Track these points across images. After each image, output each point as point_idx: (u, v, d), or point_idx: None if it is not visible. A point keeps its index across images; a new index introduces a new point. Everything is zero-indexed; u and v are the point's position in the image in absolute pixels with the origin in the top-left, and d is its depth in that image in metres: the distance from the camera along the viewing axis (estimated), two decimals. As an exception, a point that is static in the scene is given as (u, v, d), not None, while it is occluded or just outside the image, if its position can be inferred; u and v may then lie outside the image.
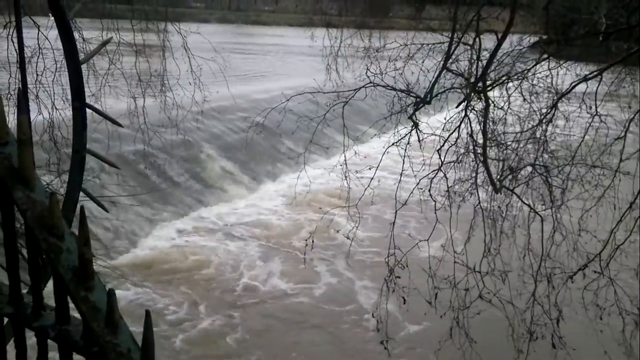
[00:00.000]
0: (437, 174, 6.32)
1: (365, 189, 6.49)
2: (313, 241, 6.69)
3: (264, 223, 13.99)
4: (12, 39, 6.89)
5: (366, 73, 6.72)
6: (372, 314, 6.47)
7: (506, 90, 6.93)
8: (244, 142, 16.99)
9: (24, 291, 1.74)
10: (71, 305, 1.51)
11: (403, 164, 6.38)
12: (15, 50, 6.88)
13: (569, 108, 7.03)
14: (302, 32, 9.68)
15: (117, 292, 1.67)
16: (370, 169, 6.58)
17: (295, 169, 16.32)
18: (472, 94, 6.37)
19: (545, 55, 6.94)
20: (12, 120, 1.66)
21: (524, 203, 6.46)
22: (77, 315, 1.51)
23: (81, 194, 3.67)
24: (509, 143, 6.73)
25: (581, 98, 6.74)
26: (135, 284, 10.44)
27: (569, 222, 6.47)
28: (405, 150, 6.34)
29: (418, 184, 6.35)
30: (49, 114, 7.48)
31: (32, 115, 5.16)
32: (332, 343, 9.20)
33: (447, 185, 6.42)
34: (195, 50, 8.99)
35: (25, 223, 1.52)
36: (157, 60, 9.17)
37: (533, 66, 6.70)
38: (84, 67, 4.10)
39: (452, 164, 6.49)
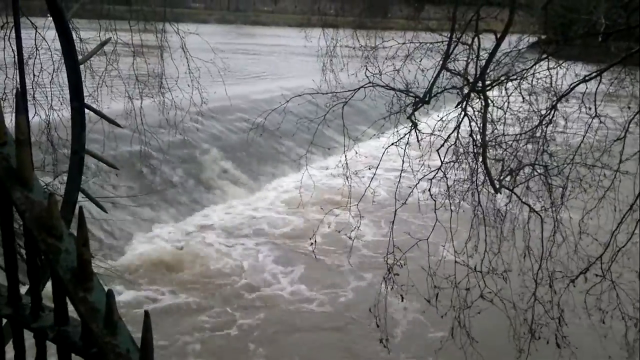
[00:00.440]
0: (436, 173, 6.33)
1: (366, 190, 6.49)
2: (316, 241, 6.70)
3: (263, 223, 13.98)
4: (9, 40, 6.89)
5: (365, 73, 6.72)
6: (369, 309, 6.47)
7: (505, 90, 6.93)
8: (243, 143, 17.00)
9: (22, 292, 1.73)
10: (70, 306, 1.51)
11: (402, 163, 6.39)
12: (13, 50, 6.89)
13: (569, 109, 7.04)
14: (302, 32, 9.67)
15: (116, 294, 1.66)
16: (370, 168, 6.59)
17: (295, 170, 16.36)
18: (471, 94, 6.37)
19: (545, 55, 6.94)
20: (8, 120, 1.65)
21: (524, 203, 6.47)
22: (76, 316, 1.50)
23: (80, 194, 3.67)
24: (508, 143, 6.74)
25: (581, 99, 6.74)
26: (133, 285, 10.42)
27: (569, 223, 6.47)
28: (405, 150, 6.34)
29: (418, 184, 6.35)
30: (46, 114, 7.47)
31: (30, 116, 5.15)
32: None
33: (447, 185, 6.43)
34: (196, 50, 8.99)
35: (24, 224, 1.51)
36: (156, 61, 9.16)
37: (532, 66, 6.70)
38: (81, 67, 4.09)
39: (452, 163, 6.49)
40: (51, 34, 6.99)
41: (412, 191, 6.47)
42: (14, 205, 1.53)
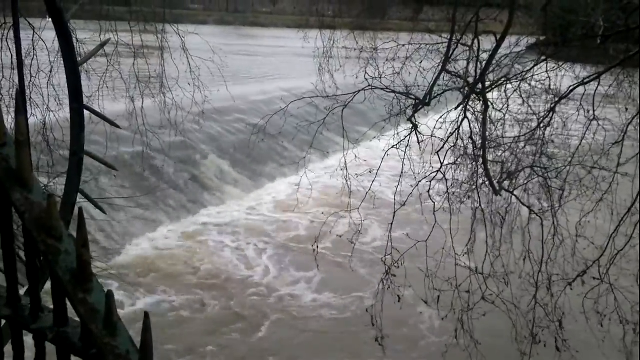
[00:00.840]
0: (436, 175, 6.33)
1: (367, 193, 6.48)
2: (318, 246, 6.70)
3: (261, 225, 13.98)
4: (6, 40, 6.89)
5: (365, 76, 6.71)
6: (367, 310, 6.47)
7: (505, 92, 6.93)
8: (242, 144, 16.99)
9: (21, 293, 1.73)
10: (69, 307, 1.51)
11: (403, 165, 6.38)
12: (10, 51, 6.89)
13: (567, 111, 7.04)
14: (301, 33, 9.67)
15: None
16: (370, 171, 6.59)
17: (294, 171, 16.34)
18: (471, 96, 6.37)
19: (544, 57, 6.95)
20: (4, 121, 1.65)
21: (524, 205, 6.47)
22: (75, 317, 1.50)
23: (79, 195, 3.67)
24: (508, 145, 6.74)
25: (579, 101, 6.75)
26: (132, 286, 10.41)
27: (567, 226, 6.48)
28: (405, 152, 6.34)
29: (417, 185, 6.34)
30: (42, 115, 7.46)
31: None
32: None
33: (447, 187, 6.43)
34: (197, 51, 8.99)
35: (23, 225, 1.51)
36: (156, 62, 9.15)
37: (531, 68, 6.70)
38: (80, 68, 4.09)
39: (452, 165, 6.49)
40: (48, 34, 7.01)
41: (411, 193, 6.46)
42: (13, 206, 1.53)
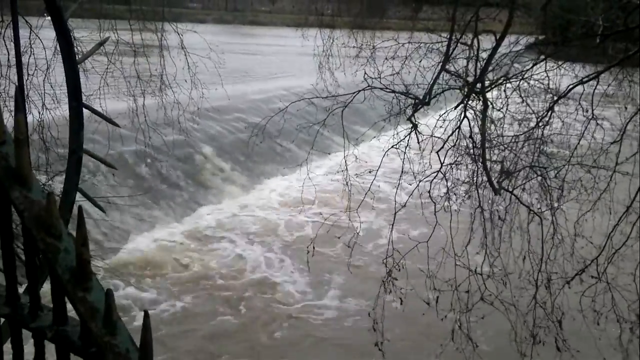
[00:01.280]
0: (436, 175, 6.32)
1: (366, 194, 6.47)
2: (314, 247, 6.68)
3: (260, 224, 13.98)
4: (3, 38, 6.88)
5: (364, 76, 6.70)
6: (368, 313, 6.45)
7: (504, 91, 6.93)
8: (240, 143, 16.98)
9: (21, 291, 1.73)
10: (69, 306, 1.50)
11: (402, 165, 6.38)
12: (7, 49, 6.88)
13: (567, 110, 7.04)
14: (301, 32, 9.67)
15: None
16: (370, 172, 6.58)
17: (293, 170, 16.32)
18: (471, 95, 6.37)
19: (543, 56, 6.94)
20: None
21: (523, 204, 6.46)
22: (74, 315, 1.50)
23: (77, 194, 3.66)
24: (507, 144, 6.74)
25: (578, 100, 6.75)
26: (132, 285, 10.41)
27: (566, 225, 6.48)
28: (405, 152, 6.33)
29: (417, 186, 6.34)
30: (39, 113, 7.46)
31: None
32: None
33: (447, 187, 6.42)
34: (197, 50, 9.00)
35: (23, 223, 1.51)
36: (155, 60, 9.15)
37: (531, 67, 6.70)
38: (79, 67, 4.08)
39: (452, 165, 6.48)
40: (46, 33, 7.00)
41: (412, 193, 6.45)
42: (12, 204, 1.53)
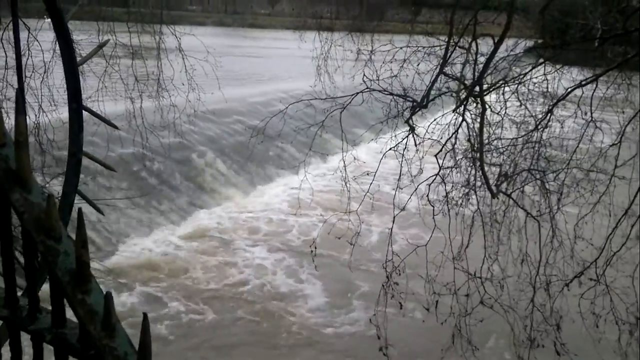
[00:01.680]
0: (435, 179, 6.32)
1: (365, 195, 6.48)
2: (316, 247, 6.68)
3: (259, 226, 13.97)
4: (1, 41, 6.89)
5: (362, 78, 6.71)
6: (370, 320, 6.43)
7: (502, 94, 6.94)
8: (239, 146, 16.99)
9: (19, 294, 1.73)
10: (68, 309, 1.50)
11: (401, 168, 6.38)
12: (5, 51, 6.89)
13: (565, 113, 7.05)
14: (300, 35, 9.69)
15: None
16: (368, 174, 6.58)
17: (292, 172, 16.33)
18: (469, 98, 6.37)
19: (541, 60, 6.96)
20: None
21: (521, 208, 6.47)
22: (73, 318, 1.50)
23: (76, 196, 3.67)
24: (505, 148, 6.74)
25: (577, 104, 6.76)
26: (131, 289, 10.40)
27: (565, 228, 6.48)
28: (403, 154, 6.33)
29: (416, 189, 6.34)
30: (36, 116, 7.47)
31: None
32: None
33: (446, 190, 6.42)
34: (197, 53, 9.02)
35: (22, 225, 1.51)
36: (153, 63, 9.17)
37: (529, 70, 6.71)
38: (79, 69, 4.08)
39: (450, 169, 6.49)
40: (44, 35, 7.01)
41: (410, 197, 6.45)
42: (12, 206, 1.53)
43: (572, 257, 6.40)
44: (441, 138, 6.57)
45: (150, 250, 11.99)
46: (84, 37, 7.71)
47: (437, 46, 6.64)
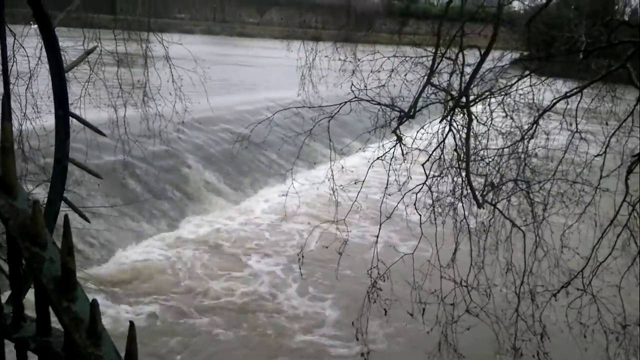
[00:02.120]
0: (421, 188, 6.36)
1: (353, 204, 6.49)
2: (303, 256, 6.68)
3: (246, 235, 13.92)
4: None
5: (350, 88, 6.74)
6: (352, 323, 6.45)
7: (488, 105, 7.01)
8: (227, 154, 16.95)
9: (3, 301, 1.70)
10: (53, 317, 1.48)
11: (388, 177, 6.41)
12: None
13: (550, 124, 7.13)
14: (288, 44, 9.71)
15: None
16: (356, 183, 6.60)
17: (279, 181, 16.33)
18: (455, 109, 6.42)
19: (527, 72, 7.04)
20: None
21: (506, 218, 6.52)
22: (59, 326, 1.48)
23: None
24: (491, 158, 6.80)
25: (562, 115, 6.84)
26: (115, 299, 10.29)
27: (550, 238, 6.54)
28: (390, 164, 6.36)
29: (403, 197, 6.37)
30: (19, 123, 7.40)
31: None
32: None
33: (432, 199, 6.46)
34: (185, 62, 9.00)
35: (7, 232, 1.49)
36: (140, 71, 9.13)
37: (515, 82, 6.79)
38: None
39: (437, 178, 6.53)
40: (30, 41, 6.96)
41: (396, 206, 6.48)
42: (-3, 213, 1.51)
43: (557, 266, 6.45)
44: (428, 146, 6.62)
45: (137, 260, 11.89)
46: (70, 43, 7.66)
47: (424, 57, 6.69)
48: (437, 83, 6.64)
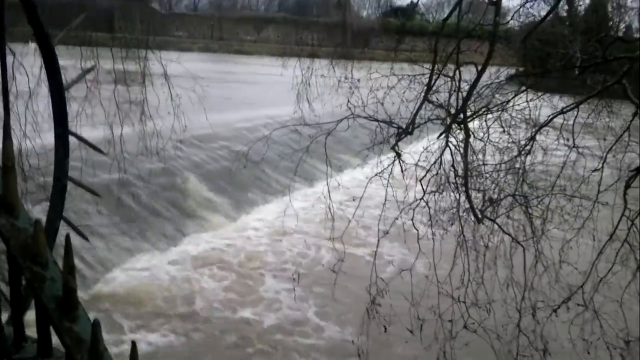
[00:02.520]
0: (419, 203, 6.36)
1: (350, 221, 6.49)
2: (299, 275, 6.66)
3: (245, 253, 13.87)
4: None
5: (347, 105, 6.78)
6: (353, 341, 6.41)
7: (485, 121, 7.04)
8: (225, 171, 16.98)
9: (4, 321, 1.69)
10: (54, 336, 1.48)
11: (386, 194, 6.41)
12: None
13: (548, 139, 7.16)
14: (285, 62, 9.77)
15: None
16: (354, 199, 6.61)
17: (278, 198, 16.34)
18: (453, 125, 6.45)
19: (523, 88, 7.08)
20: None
21: (506, 233, 6.51)
22: (59, 345, 1.47)
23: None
24: (489, 173, 6.81)
25: (559, 130, 6.87)
26: (107, 317, 10.21)
27: (550, 253, 6.53)
28: (388, 180, 6.37)
29: (400, 213, 6.37)
30: (19, 141, 7.42)
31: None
32: None
33: (430, 215, 6.46)
34: (183, 79, 9.05)
35: (8, 251, 1.49)
36: (138, 89, 9.17)
37: (512, 98, 6.83)
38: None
39: (434, 193, 6.54)
40: (29, 59, 7.01)
41: (394, 221, 6.48)
42: (-2, 232, 1.51)
43: (557, 281, 6.44)
44: (426, 162, 6.64)
45: (136, 278, 11.83)
46: (69, 61, 7.70)
47: (421, 74, 6.74)
48: (435, 100, 6.67)
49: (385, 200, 6.46)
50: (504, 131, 7.04)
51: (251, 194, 17.73)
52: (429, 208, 6.48)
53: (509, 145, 7.10)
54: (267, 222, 15.83)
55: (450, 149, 6.53)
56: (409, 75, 6.88)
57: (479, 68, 6.21)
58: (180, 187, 16.14)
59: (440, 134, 6.60)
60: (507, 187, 6.82)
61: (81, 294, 8.73)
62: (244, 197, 17.44)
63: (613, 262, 5.82)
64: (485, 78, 6.66)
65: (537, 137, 6.73)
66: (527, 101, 6.93)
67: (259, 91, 37.76)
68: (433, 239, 6.56)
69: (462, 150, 6.47)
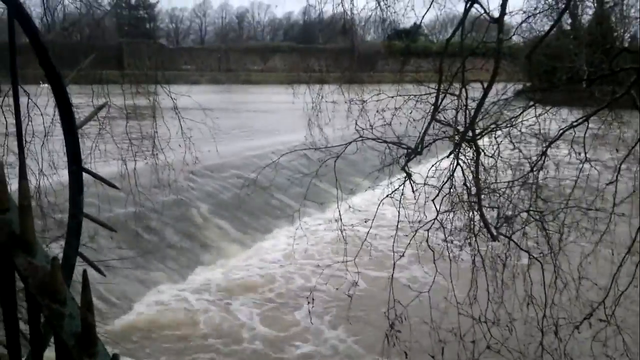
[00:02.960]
0: (433, 224, 6.33)
1: (363, 243, 6.47)
2: (313, 299, 6.62)
3: (262, 280, 13.83)
4: (1, 107, 7.04)
5: (355, 127, 6.81)
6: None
7: (495, 138, 7.03)
8: (237, 199, 17.03)
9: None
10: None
11: (399, 215, 6.40)
12: (5, 118, 7.02)
13: (559, 153, 7.13)
14: (292, 89, 9.87)
15: None
16: (366, 221, 6.59)
17: (290, 223, 16.33)
18: (462, 143, 6.45)
19: (531, 103, 7.08)
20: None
21: (522, 249, 6.46)
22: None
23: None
24: (502, 190, 6.78)
25: (570, 144, 6.84)
26: (134, 351, 10.19)
27: (568, 269, 6.45)
28: (400, 201, 6.36)
29: (415, 235, 6.34)
30: (36, 180, 7.53)
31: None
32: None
33: (445, 235, 6.43)
34: (194, 111, 9.17)
35: (26, 290, 1.50)
36: (148, 123, 9.28)
37: (520, 113, 6.82)
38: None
39: (447, 213, 6.51)
40: (42, 99, 7.15)
41: (409, 242, 6.45)
42: (16, 271, 1.53)
43: (577, 297, 6.34)
44: (438, 182, 6.62)
45: (153, 311, 11.81)
46: (81, 100, 7.84)
47: (427, 94, 6.76)
48: (443, 119, 6.69)
49: (398, 221, 6.44)
50: (514, 147, 7.02)
51: (264, 221, 17.74)
52: (444, 228, 6.45)
53: (521, 161, 7.07)
54: (280, 249, 15.80)
55: (461, 167, 6.52)
56: (415, 95, 6.92)
57: (486, 85, 6.23)
58: (193, 217, 16.20)
59: (450, 153, 6.60)
60: (520, 204, 6.78)
61: (108, 328, 8.72)
62: (257, 225, 17.45)
63: (633, 276, 5.73)
64: (492, 95, 6.68)
65: (548, 151, 6.70)
66: (536, 116, 6.93)
67: (270, 119, 38.08)
68: (450, 259, 6.52)
69: (472, 168, 6.46)
